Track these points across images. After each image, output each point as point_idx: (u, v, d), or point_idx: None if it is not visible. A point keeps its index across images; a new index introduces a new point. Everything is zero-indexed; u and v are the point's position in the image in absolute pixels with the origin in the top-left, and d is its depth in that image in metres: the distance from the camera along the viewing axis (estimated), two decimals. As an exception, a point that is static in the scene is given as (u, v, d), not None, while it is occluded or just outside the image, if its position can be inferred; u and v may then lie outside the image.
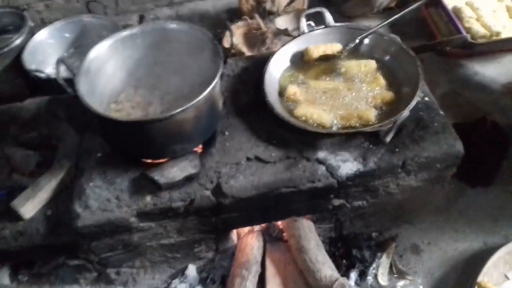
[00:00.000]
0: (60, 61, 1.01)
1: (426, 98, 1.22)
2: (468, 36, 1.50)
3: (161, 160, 1.10)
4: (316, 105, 1.20)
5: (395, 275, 1.31)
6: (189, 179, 1.09)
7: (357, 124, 1.14)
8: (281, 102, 1.23)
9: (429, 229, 1.39)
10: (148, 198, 1.08)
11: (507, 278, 1.28)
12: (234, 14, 1.94)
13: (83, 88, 1.02)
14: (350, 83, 1.24)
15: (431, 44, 1.50)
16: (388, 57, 1.27)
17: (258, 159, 1.13)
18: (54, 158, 1.21)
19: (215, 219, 1.16)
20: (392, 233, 1.38)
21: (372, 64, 1.26)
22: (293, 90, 1.23)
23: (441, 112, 1.19)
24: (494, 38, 1.67)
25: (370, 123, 1.13)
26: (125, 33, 1.15)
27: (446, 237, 1.38)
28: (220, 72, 1.04)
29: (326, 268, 1.21)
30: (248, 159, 1.13)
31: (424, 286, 1.29)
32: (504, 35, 1.68)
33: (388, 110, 1.17)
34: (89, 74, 1.08)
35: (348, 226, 1.33)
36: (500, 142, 1.42)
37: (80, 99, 0.99)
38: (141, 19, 2.03)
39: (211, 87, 1.01)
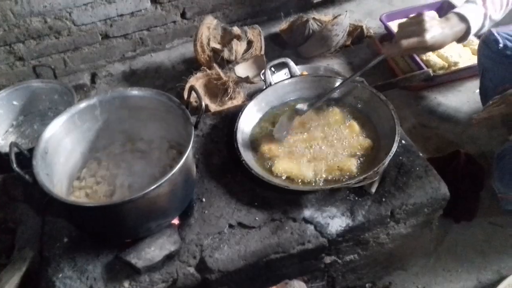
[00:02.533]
0: (13, 145, 0.90)
1: (403, 141, 1.19)
2: (431, 70, 1.52)
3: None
4: (293, 159, 1.14)
5: (394, 327, 1.25)
6: (169, 257, 0.99)
7: (339, 177, 1.09)
8: (256, 159, 1.16)
9: (421, 273, 1.35)
10: (126, 284, 0.97)
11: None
12: (191, 65, 1.88)
13: (42, 172, 0.92)
14: (324, 132, 1.20)
15: (396, 81, 1.50)
16: (359, 102, 1.24)
17: (241, 225, 1.05)
18: (13, 244, 1.08)
19: (199, 296, 1.06)
20: (385, 282, 1.32)
21: (337, 112, 1.23)
22: (267, 146, 1.17)
23: (421, 155, 1.17)
24: (453, 68, 1.70)
25: (353, 174, 1.09)
26: (82, 105, 1.05)
27: (439, 279, 1.33)
28: (192, 139, 0.97)
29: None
30: (231, 226, 1.05)
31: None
32: (461, 64, 1.72)
33: (368, 158, 1.13)
34: (47, 155, 0.97)
35: (341, 280, 1.26)
36: (476, 174, 1.41)
37: (40, 185, 0.88)
38: (93, 78, 1.93)
39: (185, 156, 0.93)
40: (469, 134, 1.58)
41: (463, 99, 1.73)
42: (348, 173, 1.09)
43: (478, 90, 1.55)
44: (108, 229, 0.98)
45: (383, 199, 1.08)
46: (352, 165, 1.10)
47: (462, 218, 1.41)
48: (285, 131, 1.19)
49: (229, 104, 1.58)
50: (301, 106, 1.18)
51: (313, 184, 1.08)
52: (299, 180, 1.09)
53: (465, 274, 1.33)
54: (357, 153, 1.14)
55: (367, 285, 1.30)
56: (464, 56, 1.74)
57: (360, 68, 1.15)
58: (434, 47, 1.11)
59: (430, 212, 1.13)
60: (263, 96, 1.26)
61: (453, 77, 1.72)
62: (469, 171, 1.41)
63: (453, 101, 1.72)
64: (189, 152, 0.95)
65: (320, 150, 1.16)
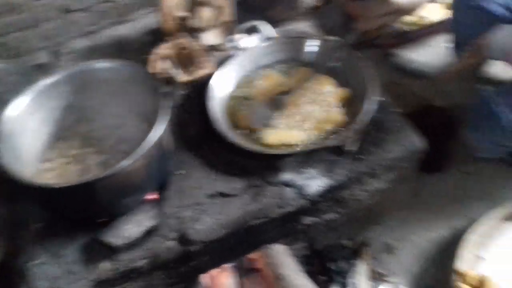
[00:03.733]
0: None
1: (379, 98, 1.19)
2: (401, 27, 1.51)
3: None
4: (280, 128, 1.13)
5: (375, 280, 1.27)
6: (148, 233, 0.97)
7: (329, 128, 1.10)
8: (234, 128, 1.14)
9: (398, 226, 1.38)
10: (107, 264, 0.95)
11: (481, 258, 1.29)
12: (158, 36, 1.81)
13: (6, 155, 0.88)
14: (304, 94, 1.18)
15: (367, 40, 1.49)
16: (335, 62, 1.22)
17: (221, 194, 1.04)
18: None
19: (183, 268, 1.05)
20: (364, 238, 1.34)
21: (311, 72, 1.21)
22: (245, 121, 1.15)
23: (396, 109, 1.17)
24: (424, 23, 1.70)
25: (342, 124, 1.10)
26: (45, 82, 1.00)
27: (416, 230, 1.37)
28: (165, 110, 0.94)
29: (309, 292, 1.15)
30: (211, 196, 1.04)
31: (404, 284, 1.26)
32: (432, 19, 1.71)
33: (349, 109, 1.14)
34: (10, 137, 0.93)
35: (320, 240, 1.28)
36: (449, 126, 1.43)
37: (5, 170, 0.84)
38: (56, 55, 1.84)
39: (158, 128, 0.90)
40: (441, 88, 1.60)
41: (434, 54, 1.73)
42: (335, 124, 1.10)
43: (449, 44, 1.55)
44: (82, 210, 0.95)
45: (362, 157, 1.08)
46: (337, 114, 1.11)
47: (436, 170, 1.44)
48: (264, 121, 1.15)
49: (200, 74, 1.54)
50: None
51: (295, 147, 1.08)
52: (286, 145, 1.09)
53: (440, 223, 1.37)
54: (336, 104, 1.15)
55: (345, 242, 1.32)
56: (434, 11, 1.73)
57: (333, 30, 1.13)
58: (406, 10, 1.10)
59: (407, 166, 1.15)
60: (235, 62, 1.23)
61: (424, 32, 1.71)
62: (442, 123, 1.42)
63: (425, 56, 1.72)
64: (161, 124, 0.92)
65: (304, 112, 1.15)
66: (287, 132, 1.11)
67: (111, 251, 0.96)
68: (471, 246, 1.30)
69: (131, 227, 0.96)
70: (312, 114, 1.14)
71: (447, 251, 1.31)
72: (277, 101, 1.16)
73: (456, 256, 1.24)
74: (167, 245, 0.98)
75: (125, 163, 0.85)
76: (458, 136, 1.45)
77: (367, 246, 1.32)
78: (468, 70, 1.31)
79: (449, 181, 1.46)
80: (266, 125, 1.13)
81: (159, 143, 0.92)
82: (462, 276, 1.21)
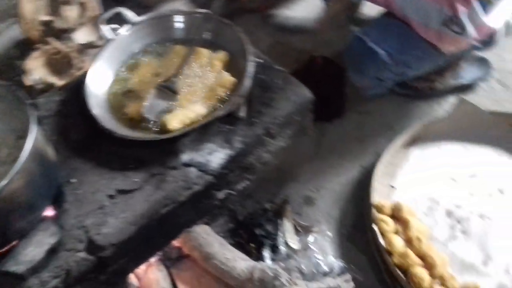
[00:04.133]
0: None
1: (260, 60, 1.19)
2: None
3: (7, 247, 0.89)
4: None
5: (302, 233, 1.31)
6: (53, 250, 0.91)
7: (223, 94, 1.09)
8: (120, 120, 1.09)
9: (311, 178, 1.42)
10: (15, 295, 0.88)
11: (393, 187, 1.37)
12: (26, 47, 1.68)
13: None
14: (185, 70, 1.15)
15: (239, 7, 1.48)
16: (207, 34, 1.20)
17: (121, 192, 0.99)
18: None
19: (103, 276, 1.00)
20: (283, 197, 1.37)
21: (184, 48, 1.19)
22: (135, 108, 1.09)
23: (277, 67, 1.18)
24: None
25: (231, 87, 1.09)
26: None
27: (328, 177, 1.42)
28: (35, 120, 0.87)
29: (239, 262, 1.15)
30: (111, 196, 0.98)
31: (330, 229, 1.31)
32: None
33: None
34: None
35: (240, 210, 1.28)
36: (336, 73, 1.48)
37: None
38: None
39: (29, 142, 0.83)
40: (321, 39, 1.64)
41: (308, 8, 1.78)
42: (229, 87, 1.09)
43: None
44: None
45: (255, 120, 1.08)
46: (228, 77, 1.10)
47: (335, 117, 1.49)
48: (156, 110, 1.09)
49: (76, 75, 1.45)
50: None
51: (183, 127, 1.05)
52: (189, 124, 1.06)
53: (349, 165, 1.43)
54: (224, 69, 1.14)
55: (266, 205, 1.33)
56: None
57: (206, 4, 1.11)
58: None
59: (301, 119, 1.17)
60: (105, 55, 1.17)
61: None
62: (328, 72, 1.47)
63: (300, 12, 1.76)
64: (31, 136, 0.85)
65: (196, 88, 1.12)
66: (185, 111, 1.08)
67: (17, 280, 0.88)
68: (381, 178, 1.37)
69: (32, 249, 0.89)
70: (204, 86, 1.12)
71: (361, 189, 1.38)
72: (165, 85, 1.12)
73: (370, 191, 1.30)
74: (76, 257, 0.92)
75: (1, 184, 0.78)
76: (347, 81, 1.51)
77: (287, 204, 1.35)
78: (339, 16, 1.35)
79: (350, 124, 1.53)
80: (163, 111, 1.09)
81: (34, 157, 0.85)
82: (378, 208, 1.27)
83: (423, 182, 1.36)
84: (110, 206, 0.97)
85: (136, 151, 1.04)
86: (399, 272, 1.15)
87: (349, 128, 1.50)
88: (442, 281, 1.13)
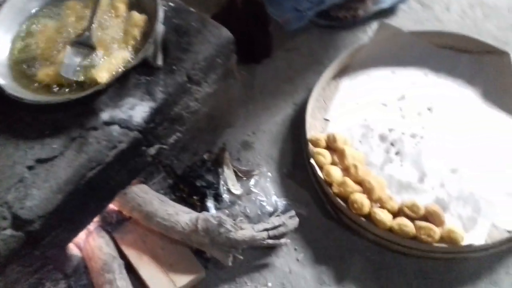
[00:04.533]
0: None
1: (172, 4, 1.13)
2: None
3: None
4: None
5: (244, 178, 1.30)
6: (-26, 233, 0.85)
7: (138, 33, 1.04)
8: (30, 88, 1.01)
9: (247, 122, 1.40)
10: None
11: (327, 120, 1.37)
12: None
13: None
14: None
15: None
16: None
17: (40, 161, 0.93)
18: None
19: (38, 250, 0.95)
20: (220, 145, 1.35)
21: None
22: (45, 72, 1.01)
23: (191, 9, 1.12)
24: None
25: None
26: None
27: (263, 118, 1.41)
28: None
29: (182, 216, 1.13)
30: (30, 167, 0.92)
31: (270, 170, 1.31)
32: None
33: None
34: None
35: (177, 164, 1.25)
36: (257, 12, 1.43)
37: None
38: None
39: None
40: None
41: None
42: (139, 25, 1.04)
43: None
44: None
45: (174, 67, 1.04)
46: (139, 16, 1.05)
47: (262, 57, 1.46)
48: (74, 68, 1.01)
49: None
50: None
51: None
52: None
53: (282, 104, 1.42)
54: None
55: (204, 156, 1.31)
56: None
57: None
58: None
59: (224, 61, 1.13)
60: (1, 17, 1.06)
61: None
62: (250, 12, 1.42)
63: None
64: None
65: (109, 38, 1.06)
66: (109, 60, 1.01)
67: None
68: (314, 113, 1.37)
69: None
70: (117, 31, 1.05)
71: (296, 126, 1.37)
72: (79, 41, 1.04)
73: (304, 127, 1.30)
74: (3, 236, 0.87)
75: None
76: (270, 18, 1.47)
77: (225, 152, 1.33)
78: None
79: (279, 63, 1.50)
80: (85, 67, 1.01)
81: None
82: (313, 142, 1.28)
83: (355, 111, 1.37)
84: (31, 177, 0.91)
85: (51, 117, 0.97)
86: (340, 201, 1.17)
87: (278, 66, 1.48)
88: (381, 203, 1.17)
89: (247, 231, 1.11)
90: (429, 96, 1.38)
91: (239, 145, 1.36)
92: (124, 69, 0.98)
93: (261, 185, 1.28)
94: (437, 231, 1.09)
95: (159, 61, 1.02)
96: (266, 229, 1.14)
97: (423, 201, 1.18)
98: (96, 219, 1.16)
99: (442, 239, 1.10)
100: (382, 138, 1.32)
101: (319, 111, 1.39)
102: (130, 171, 1.07)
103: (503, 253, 1.13)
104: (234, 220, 1.14)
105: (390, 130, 1.33)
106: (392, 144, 1.30)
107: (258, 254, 1.18)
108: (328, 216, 1.23)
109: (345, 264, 1.16)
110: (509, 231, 1.13)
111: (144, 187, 1.18)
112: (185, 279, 1.11)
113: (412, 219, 1.13)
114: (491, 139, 1.29)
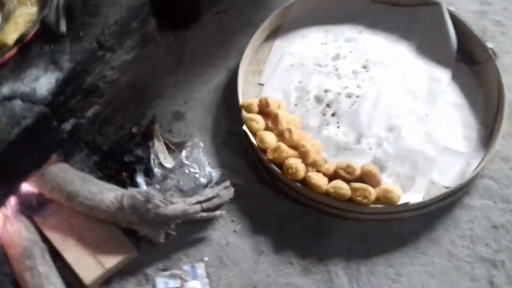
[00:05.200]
0: None
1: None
2: None
3: None
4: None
5: (176, 151, 1.23)
6: None
7: None
8: None
9: (177, 91, 1.32)
10: None
11: (261, 84, 1.32)
12: None
13: None
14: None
15: None
16: None
17: None
18: None
19: None
20: (149, 117, 1.27)
21: None
22: None
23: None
24: None
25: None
26: None
27: (197, 88, 1.34)
28: None
29: (107, 194, 1.06)
30: None
31: (204, 140, 1.25)
32: None
33: None
34: None
35: (102, 139, 1.17)
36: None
37: None
38: None
39: None
40: None
41: None
42: None
43: None
44: None
45: (81, 33, 0.94)
46: None
47: (190, 22, 1.38)
48: None
49: None
50: None
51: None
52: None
53: (214, 70, 1.35)
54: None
55: (133, 130, 1.23)
56: None
57: None
58: None
59: (140, 25, 1.04)
60: None
61: None
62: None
63: None
64: None
65: None
66: (15, 20, 0.91)
67: None
68: (247, 77, 1.31)
69: None
70: None
71: (230, 93, 1.31)
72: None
73: (237, 93, 1.24)
74: None
75: None
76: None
77: (155, 124, 1.26)
78: None
79: (209, 27, 1.43)
80: None
81: None
82: (246, 108, 1.22)
83: (290, 73, 1.32)
84: None
85: None
86: (275, 168, 1.13)
87: (208, 31, 1.40)
88: (317, 167, 1.13)
89: (178, 206, 1.06)
90: (364, 54, 1.34)
91: (170, 116, 1.29)
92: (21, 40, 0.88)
93: (194, 157, 1.21)
94: (372, 192, 1.07)
95: (63, 27, 0.93)
96: (199, 202, 1.09)
97: (361, 162, 1.15)
98: (13, 203, 1.07)
99: (378, 200, 1.08)
100: (318, 99, 1.28)
101: (253, 76, 1.33)
102: (43, 149, 0.98)
103: (441, 211, 1.13)
104: (166, 194, 1.08)
105: (326, 91, 1.28)
106: (328, 106, 1.26)
107: (194, 228, 1.13)
108: (265, 184, 1.19)
109: (284, 232, 1.12)
110: (447, 187, 1.12)
111: (64, 166, 1.09)
112: (114, 259, 1.05)
113: (348, 181, 1.10)
114: (426, 95, 1.27)
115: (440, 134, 1.20)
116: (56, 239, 1.07)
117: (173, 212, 1.05)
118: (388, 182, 1.13)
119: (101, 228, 1.08)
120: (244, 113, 1.21)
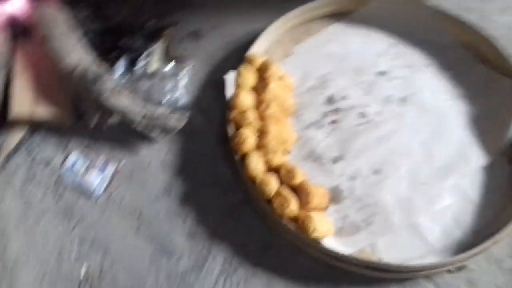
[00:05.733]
0: None
1: None
2: None
3: None
4: None
5: (172, 63, 1.19)
6: None
7: None
8: None
9: (213, 14, 1.26)
10: None
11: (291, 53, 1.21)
12: None
13: None
14: None
15: None
16: None
17: None
18: None
19: None
20: (172, 20, 1.23)
21: None
22: None
23: None
24: None
25: None
26: None
27: (231, 21, 1.26)
28: None
29: (76, 54, 1.06)
30: None
31: (202, 69, 1.18)
32: None
33: None
34: None
35: (115, 13, 1.16)
36: None
37: None
38: None
39: None
40: None
41: None
42: None
43: None
44: None
45: None
46: None
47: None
48: None
49: None
50: None
51: None
52: None
53: (257, 16, 1.25)
54: None
55: (148, 23, 1.20)
56: None
57: None
58: None
59: None
60: None
61: None
62: None
63: None
64: None
65: None
66: None
67: None
68: (283, 38, 1.21)
69: None
70: None
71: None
72: None
73: (254, 46, 1.14)
74: None
75: None
76: None
77: (170, 27, 1.22)
78: None
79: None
80: None
81: None
82: (249, 60, 1.13)
83: (324, 60, 1.19)
84: None
85: None
86: (231, 128, 1.04)
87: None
88: (266, 151, 1.00)
89: (122, 100, 1.02)
90: (413, 88, 1.13)
91: (189, 31, 1.24)
92: None
93: (179, 78, 1.16)
94: (292, 207, 0.92)
95: None
96: (145, 115, 1.04)
97: (323, 181, 1.00)
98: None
99: (296, 221, 0.94)
100: (330, 100, 1.13)
101: (290, 42, 1.22)
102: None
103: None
104: (119, 86, 1.05)
105: (343, 97, 1.13)
106: (334, 111, 1.11)
107: (136, 134, 1.08)
108: (221, 143, 1.09)
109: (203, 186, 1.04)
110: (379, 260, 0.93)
111: (59, 11, 1.11)
112: (45, 115, 1.07)
113: (285, 184, 0.97)
114: (440, 166, 1.04)
115: (421, 210, 0.99)
116: (19, 65, 1.11)
117: (114, 102, 1.02)
118: (328, 215, 0.97)
119: (58, 87, 1.10)
120: (241, 69, 1.10)
